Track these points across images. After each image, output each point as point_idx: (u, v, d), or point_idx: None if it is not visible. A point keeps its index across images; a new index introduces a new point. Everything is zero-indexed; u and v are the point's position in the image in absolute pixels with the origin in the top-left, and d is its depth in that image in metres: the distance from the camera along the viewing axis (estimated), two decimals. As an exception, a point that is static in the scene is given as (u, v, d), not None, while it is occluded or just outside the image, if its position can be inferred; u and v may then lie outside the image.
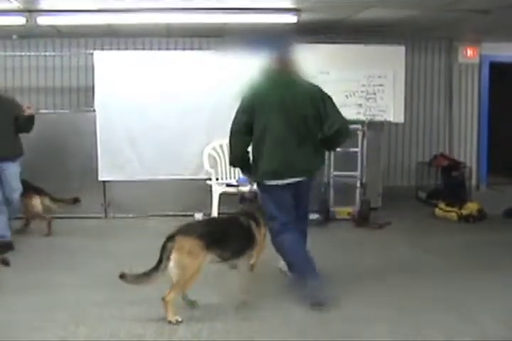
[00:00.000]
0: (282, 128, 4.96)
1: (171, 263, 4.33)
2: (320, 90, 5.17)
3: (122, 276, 4.32)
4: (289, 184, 5.00)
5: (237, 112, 5.10)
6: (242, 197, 5.34)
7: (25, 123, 6.70)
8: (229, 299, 4.95)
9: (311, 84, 5.22)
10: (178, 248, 4.36)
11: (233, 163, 5.30)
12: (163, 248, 4.38)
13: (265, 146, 4.96)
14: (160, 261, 4.35)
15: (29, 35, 9.10)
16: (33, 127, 6.80)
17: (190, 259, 4.37)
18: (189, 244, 4.39)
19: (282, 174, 5.00)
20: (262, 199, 5.13)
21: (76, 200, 7.57)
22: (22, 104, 6.97)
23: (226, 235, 4.69)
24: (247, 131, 5.01)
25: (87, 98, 9.07)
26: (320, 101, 5.06)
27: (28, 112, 6.64)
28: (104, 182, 8.23)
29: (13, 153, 6.70)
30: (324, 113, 5.03)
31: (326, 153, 6.17)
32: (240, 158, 5.14)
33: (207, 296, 4.92)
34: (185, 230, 4.54)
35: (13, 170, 6.69)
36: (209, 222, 5.18)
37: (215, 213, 7.60)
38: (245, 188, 7.78)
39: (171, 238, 4.41)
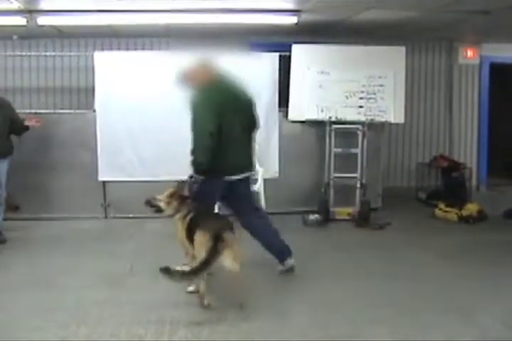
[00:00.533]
0: (241, 128, 5.35)
1: (229, 260, 4.60)
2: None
3: (166, 271, 4.32)
4: (240, 179, 5.43)
5: (205, 113, 5.12)
6: (182, 195, 5.26)
7: (21, 129, 7.02)
8: (229, 300, 4.95)
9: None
10: (230, 245, 4.60)
11: (203, 164, 5.14)
12: (215, 248, 4.49)
13: (230, 144, 5.24)
14: (209, 262, 4.43)
15: (30, 35, 9.11)
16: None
17: (239, 250, 4.74)
18: (233, 238, 4.70)
19: (242, 170, 5.46)
20: (207, 194, 5.33)
21: (17, 208, 7.62)
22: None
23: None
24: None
25: (88, 98, 9.08)
26: (253, 104, 5.58)
27: (28, 123, 7.00)
28: (104, 182, 8.22)
29: (7, 152, 6.94)
30: (256, 114, 5.61)
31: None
32: (211, 159, 5.14)
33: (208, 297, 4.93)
34: (223, 227, 4.72)
35: (5, 168, 6.93)
36: (214, 217, 5.23)
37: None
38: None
39: (217, 238, 4.54)
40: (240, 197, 5.55)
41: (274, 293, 5.16)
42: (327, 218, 8.01)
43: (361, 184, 8.21)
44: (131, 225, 7.89)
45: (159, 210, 5.27)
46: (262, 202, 7.75)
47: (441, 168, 9.55)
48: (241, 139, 5.38)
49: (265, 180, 7.84)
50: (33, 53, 9.44)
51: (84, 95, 9.44)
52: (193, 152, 5.12)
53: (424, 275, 5.74)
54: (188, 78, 5.37)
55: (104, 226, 7.93)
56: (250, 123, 5.53)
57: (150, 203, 5.30)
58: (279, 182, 8.28)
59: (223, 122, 5.12)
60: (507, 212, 8.27)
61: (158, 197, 5.24)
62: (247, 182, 5.63)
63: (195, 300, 4.83)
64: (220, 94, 5.25)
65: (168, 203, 5.19)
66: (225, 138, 5.16)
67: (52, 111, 9.04)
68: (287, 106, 8.35)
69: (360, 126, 8.19)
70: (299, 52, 8.34)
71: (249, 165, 5.57)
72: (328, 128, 8.23)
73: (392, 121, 8.38)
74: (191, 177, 5.23)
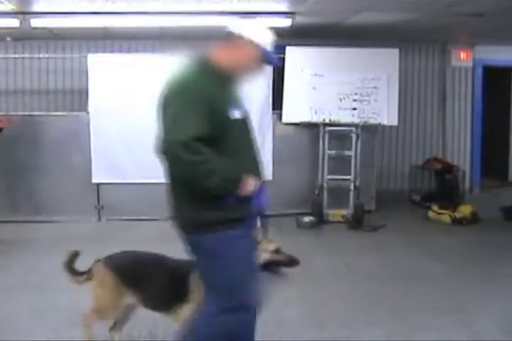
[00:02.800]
0: None
1: None
2: None
3: None
4: None
5: None
6: None
7: None
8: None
9: None
10: None
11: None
12: None
13: None
14: None
15: (23, 37, 9.09)
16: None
17: None
18: None
19: None
20: None
21: None
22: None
23: None
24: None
25: (81, 100, 9.07)
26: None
27: None
28: (97, 184, 8.21)
29: None
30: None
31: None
32: None
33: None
34: None
35: None
36: None
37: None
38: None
39: None
40: None
41: (267, 295, 5.15)
42: (321, 220, 8.01)
43: (355, 186, 8.22)
44: (124, 227, 7.87)
45: None
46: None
47: (435, 170, 9.57)
48: None
49: (259, 182, 7.85)
50: (26, 55, 9.42)
51: (78, 97, 9.44)
52: None
53: (418, 276, 5.75)
54: None
55: (97, 228, 7.91)
56: None
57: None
58: (273, 185, 8.25)
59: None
60: (506, 208, 8.27)
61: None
62: None
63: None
64: None
65: None
66: None
67: (45, 113, 9.03)
68: (281, 109, 8.36)
69: (353, 129, 8.20)
70: (293, 55, 8.35)
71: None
72: (321, 130, 8.24)
73: (386, 123, 8.38)
74: None
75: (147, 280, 3.72)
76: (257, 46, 3.20)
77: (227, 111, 3.06)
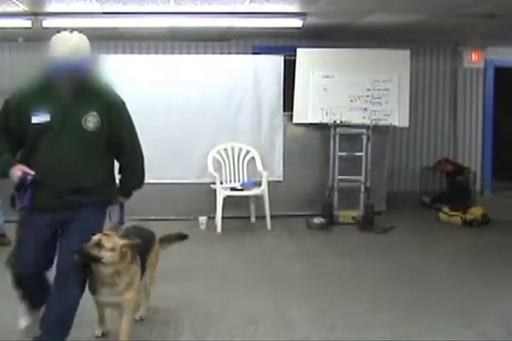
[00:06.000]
0: None
1: None
2: None
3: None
4: None
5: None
6: None
7: None
8: (234, 303, 4.95)
9: None
10: None
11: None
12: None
13: None
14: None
15: (35, 38, 9.11)
16: None
17: None
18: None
19: None
20: None
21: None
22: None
23: None
24: None
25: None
26: None
27: None
28: (109, 185, 8.20)
29: None
30: None
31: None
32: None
33: (212, 300, 4.94)
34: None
35: None
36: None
37: (219, 216, 7.59)
38: (250, 192, 7.84)
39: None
40: None
41: (278, 297, 5.16)
42: (331, 221, 7.99)
43: (365, 187, 8.19)
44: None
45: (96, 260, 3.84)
46: (267, 206, 7.76)
47: (446, 171, 9.54)
48: None
49: (269, 183, 7.85)
50: (38, 56, 9.44)
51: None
52: (142, 169, 4.41)
53: (427, 278, 5.74)
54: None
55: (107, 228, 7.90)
56: None
57: (90, 256, 3.83)
58: (283, 186, 8.28)
59: None
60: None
61: (107, 245, 3.94)
62: None
63: (201, 302, 4.84)
64: None
65: (124, 254, 3.98)
66: None
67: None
68: (292, 110, 8.36)
69: (364, 130, 8.17)
70: (304, 56, 8.35)
71: None
72: (332, 131, 8.22)
73: (397, 124, 8.38)
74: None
75: None
76: None
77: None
